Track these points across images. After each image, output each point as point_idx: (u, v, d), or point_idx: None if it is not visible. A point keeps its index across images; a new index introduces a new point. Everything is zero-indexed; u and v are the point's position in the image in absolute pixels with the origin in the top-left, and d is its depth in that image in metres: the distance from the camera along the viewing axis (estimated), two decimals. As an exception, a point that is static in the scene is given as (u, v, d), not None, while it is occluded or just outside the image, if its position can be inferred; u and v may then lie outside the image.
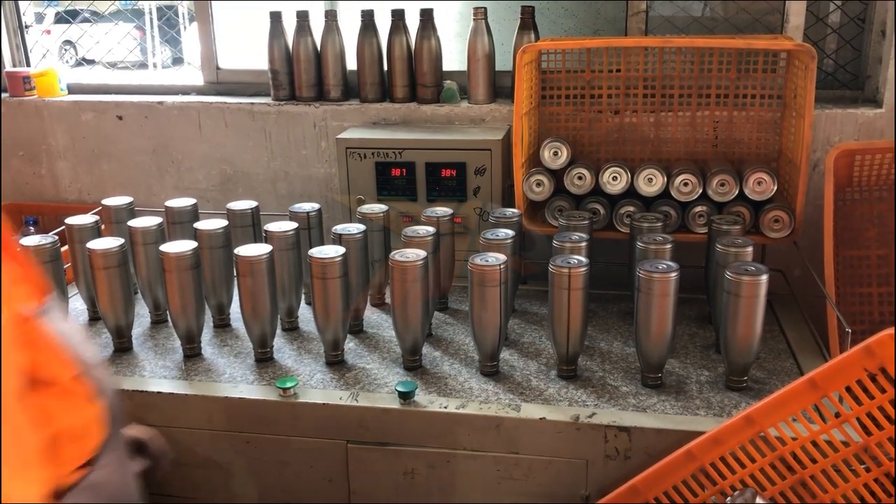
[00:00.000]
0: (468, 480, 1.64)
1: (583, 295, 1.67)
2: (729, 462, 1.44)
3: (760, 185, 1.96)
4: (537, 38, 2.31)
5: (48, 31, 5.47)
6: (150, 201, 2.60)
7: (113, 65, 3.00)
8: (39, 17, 5.62)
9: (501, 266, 1.67)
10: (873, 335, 1.32)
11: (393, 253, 1.75)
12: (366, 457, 1.66)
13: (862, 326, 2.06)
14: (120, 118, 2.62)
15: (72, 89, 2.76)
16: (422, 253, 1.75)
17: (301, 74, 2.45)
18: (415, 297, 1.73)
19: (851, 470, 1.39)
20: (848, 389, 1.35)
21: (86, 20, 3.06)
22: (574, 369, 1.75)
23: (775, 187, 1.95)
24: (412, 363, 1.79)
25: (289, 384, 1.68)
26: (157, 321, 2.06)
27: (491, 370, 1.76)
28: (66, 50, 5.39)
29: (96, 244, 1.85)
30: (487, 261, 1.68)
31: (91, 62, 3.20)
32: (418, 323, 1.75)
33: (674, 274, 1.60)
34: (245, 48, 2.70)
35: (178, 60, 3.38)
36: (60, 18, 3.28)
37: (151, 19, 3.80)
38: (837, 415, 1.37)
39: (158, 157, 2.63)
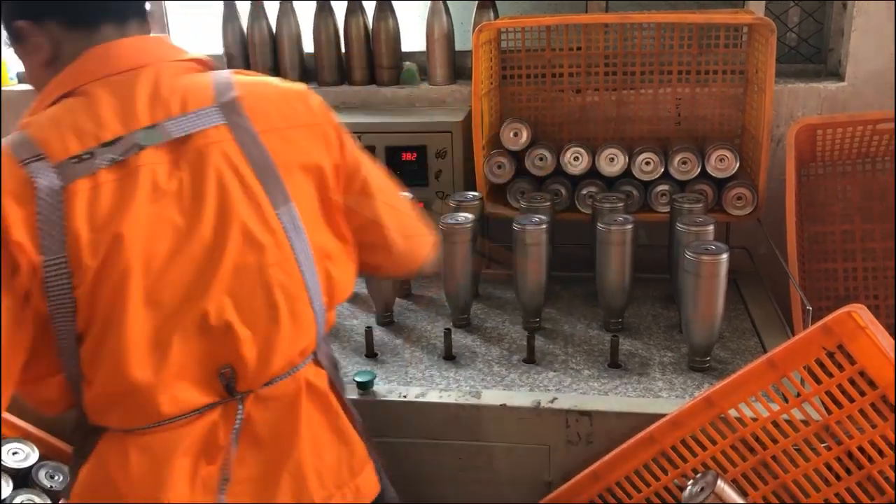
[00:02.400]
0: (430, 470, 1.61)
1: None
2: (690, 445, 1.43)
3: (722, 163, 1.94)
4: (496, 17, 2.27)
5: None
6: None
7: None
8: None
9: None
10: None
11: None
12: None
13: (827, 303, 2.05)
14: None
15: (22, 78, 2.68)
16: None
17: (256, 59, 2.39)
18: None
19: (812, 449, 1.38)
20: (808, 368, 1.33)
21: None
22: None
23: (737, 164, 1.93)
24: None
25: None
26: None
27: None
28: None
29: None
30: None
31: None
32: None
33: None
34: (201, 32, 2.63)
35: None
36: None
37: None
38: (798, 394, 1.36)
39: (114, 146, 2.56)
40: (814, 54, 2.31)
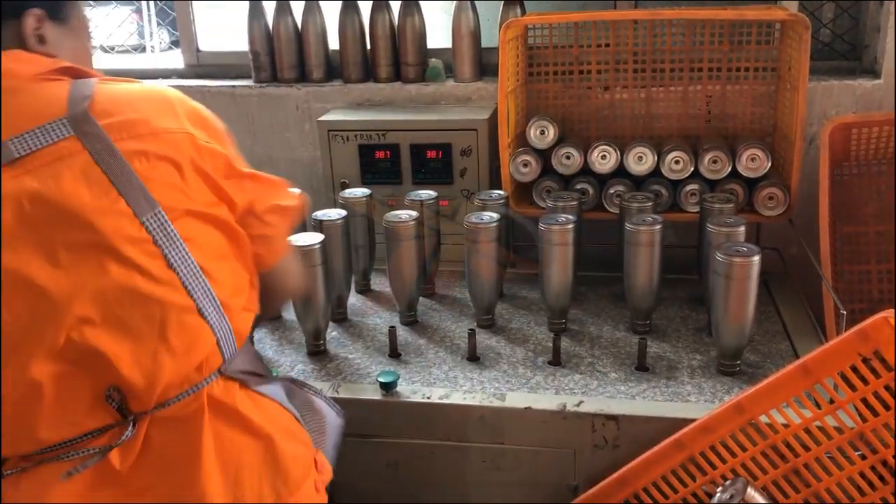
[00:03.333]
0: (453, 472, 1.60)
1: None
2: (719, 451, 1.40)
3: (754, 162, 1.90)
4: (523, 13, 2.24)
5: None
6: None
7: (111, 48, 2.93)
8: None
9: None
10: (870, 316, 1.26)
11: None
12: (347, 449, 1.59)
13: (861, 305, 2.01)
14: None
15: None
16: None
17: (282, 55, 2.38)
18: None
19: (846, 457, 1.34)
20: (842, 375, 1.30)
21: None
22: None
23: (769, 164, 1.89)
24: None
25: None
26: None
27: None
28: None
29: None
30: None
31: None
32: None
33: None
34: (228, 29, 2.63)
35: (176, 43, 3.31)
36: None
37: (148, 3, 3.73)
38: (831, 401, 1.32)
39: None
40: (848, 51, 2.26)
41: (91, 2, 2.92)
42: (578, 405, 1.53)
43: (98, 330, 1.02)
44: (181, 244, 1.08)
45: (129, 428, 1.06)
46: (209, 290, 1.10)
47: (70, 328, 1.01)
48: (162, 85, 1.21)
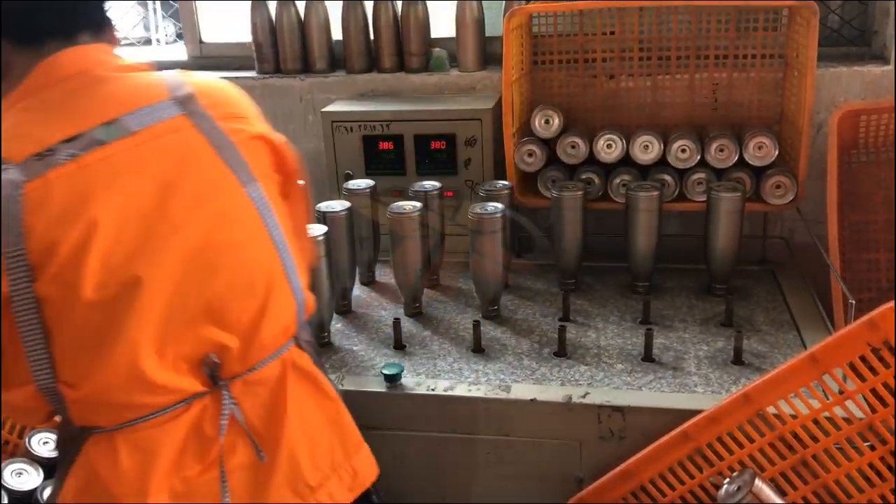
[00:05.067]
0: (458, 464, 1.59)
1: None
2: (726, 442, 1.39)
3: (761, 150, 1.88)
4: (528, 1, 2.22)
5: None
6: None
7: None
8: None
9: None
10: (879, 305, 1.25)
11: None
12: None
13: (869, 294, 1.98)
14: (103, 97, 2.55)
15: None
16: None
17: (285, 46, 2.37)
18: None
19: (855, 448, 1.33)
20: (851, 365, 1.28)
21: None
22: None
23: (776, 152, 1.87)
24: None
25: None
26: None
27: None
28: None
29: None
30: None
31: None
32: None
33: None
34: (232, 19, 2.61)
35: (182, 35, 3.30)
36: None
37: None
38: (840, 391, 1.31)
39: (144, 135, 2.56)
40: (857, 37, 2.23)
41: None
42: (584, 396, 1.52)
43: (213, 292, 1.08)
44: (275, 215, 1.15)
45: (226, 394, 1.11)
46: (293, 260, 1.18)
47: (194, 286, 1.07)
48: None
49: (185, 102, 1.12)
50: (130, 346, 1.03)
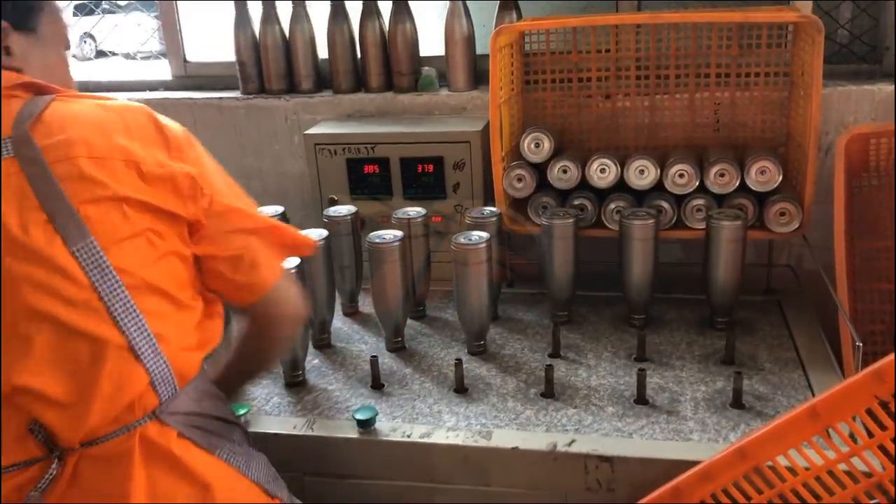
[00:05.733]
0: (436, 516, 1.49)
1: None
2: (721, 500, 1.27)
3: (764, 175, 1.77)
4: (519, 18, 2.12)
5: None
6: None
7: (133, 56, 2.85)
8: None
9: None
10: (890, 338, 1.14)
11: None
12: (324, 490, 1.51)
13: (881, 326, 1.87)
14: (85, 117, 2.48)
15: (37, 88, 2.62)
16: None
17: (269, 65, 2.28)
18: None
19: (862, 508, 1.21)
20: (857, 418, 1.17)
21: (109, 11, 2.92)
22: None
23: (780, 177, 1.76)
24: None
25: (241, 411, 1.53)
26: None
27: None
28: (85, 42, 5.27)
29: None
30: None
31: (112, 54, 3.03)
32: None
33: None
34: (219, 38, 2.54)
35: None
36: (84, 9, 3.10)
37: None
38: (845, 447, 1.19)
39: (127, 157, 2.49)
40: (868, 53, 2.11)
41: (116, 7, 2.86)
42: (570, 444, 1.41)
43: (24, 368, 1.00)
44: (114, 277, 1.03)
45: (55, 464, 1.02)
46: (144, 326, 1.05)
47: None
48: (132, 101, 1.15)
49: (20, 143, 1.02)
50: None
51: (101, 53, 3.19)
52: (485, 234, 1.68)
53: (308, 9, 2.26)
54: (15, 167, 1.01)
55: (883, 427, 1.15)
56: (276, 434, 1.50)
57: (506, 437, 1.44)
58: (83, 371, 1.01)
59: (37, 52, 1.14)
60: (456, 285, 1.69)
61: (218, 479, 1.09)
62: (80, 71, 2.74)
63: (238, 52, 2.30)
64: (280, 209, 1.87)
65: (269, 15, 2.26)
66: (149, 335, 1.05)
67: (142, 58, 2.81)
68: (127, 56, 2.87)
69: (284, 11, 2.27)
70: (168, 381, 1.07)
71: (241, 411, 1.52)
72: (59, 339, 1.01)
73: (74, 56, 4.98)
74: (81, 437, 1.03)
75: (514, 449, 1.42)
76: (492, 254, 1.69)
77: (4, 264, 0.99)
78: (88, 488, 1.03)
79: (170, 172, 1.10)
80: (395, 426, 1.49)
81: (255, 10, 2.29)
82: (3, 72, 1.08)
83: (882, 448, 1.17)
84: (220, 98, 2.35)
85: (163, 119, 1.15)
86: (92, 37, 5.10)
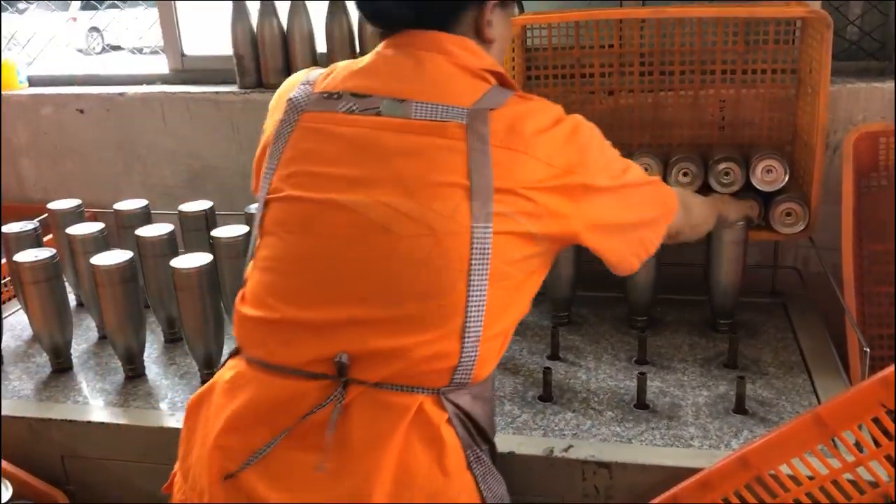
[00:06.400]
0: (429, 521, 1.45)
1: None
2: (722, 510, 1.23)
3: (770, 174, 1.73)
4: (521, 12, 2.08)
5: (74, 19, 5.35)
6: (120, 200, 2.42)
7: (139, 50, 2.82)
8: (65, 5, 5.50)
9: None
10: (892, 361, 1.10)
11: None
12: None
13: (889, 330, 1.82)
14: (81, 111, 2.44)
15: (33, 81, 2.59)
16: None
17: (267, 59, 2.25)
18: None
19: (868, 519, 1.17)
20: (863, 427, 1.13)
21: (113, 6, 2.89)
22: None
23: (786, 177, 1.72)
24: None
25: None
26: (104, 336, 1.89)
27: None
28: (92, 37, 5.24)
29: (24, 256, 1.67)
30: None
31: (118, 48, 3.01)
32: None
33: None
34: (217, 31, 2.50)
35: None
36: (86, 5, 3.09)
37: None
38: (850, 456, 1.16)
39: (124, 152, 2.46)
40: (877, 50, 2.07)
41: (120, 4, 2.83)
42: (567, 450, 1.37)
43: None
44: (486, 264, 1.06)
45: (339, 388, 1.06)
46: (481, 315, 1.06)
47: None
48: (576, 116, 1.18)
49: (475, 117, 1.08)
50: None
51: (107, 48, 3.17)
52: None
53: (306, 3, 2.22)
54: (461, 135, 1.06)
55: (890, 436, 1.12)
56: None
57: (502, 442, 1.39)
58: (419, 328, 1.05)
59: (503, 26, 1.22)
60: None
61: (457, 474, 1.09)
62: (85, 64, 2.74)
63: (236, 45, 2.26)
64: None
65: (268, 8, 2.22)
66: (479, 322, 1.06)
67: (150, 52, 2.78)
68: (133, 51, 2.84)
69: (283, 5, 2.23)
70: (467, 371, 1.09)
71: None
72: (418, 294, 1.05)
73: (80, 50, 4.97)
74: (380, 375, 1.05)
75: (510, 454, 1.38)
76: None
77: (406, 208, 1.05)
78: (353, 425, 1.05)
79: (567, 184, 1.11)
80: (388, 429, 1.45)
81: (253, 5, 2.25)
82: (486, 54, 1.17)
83: (888, 458, 1.13)
84: (217, 92, 2.31)
85: (590, 132, 1.20)
86: (98, 30, 5.07)
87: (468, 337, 1.06)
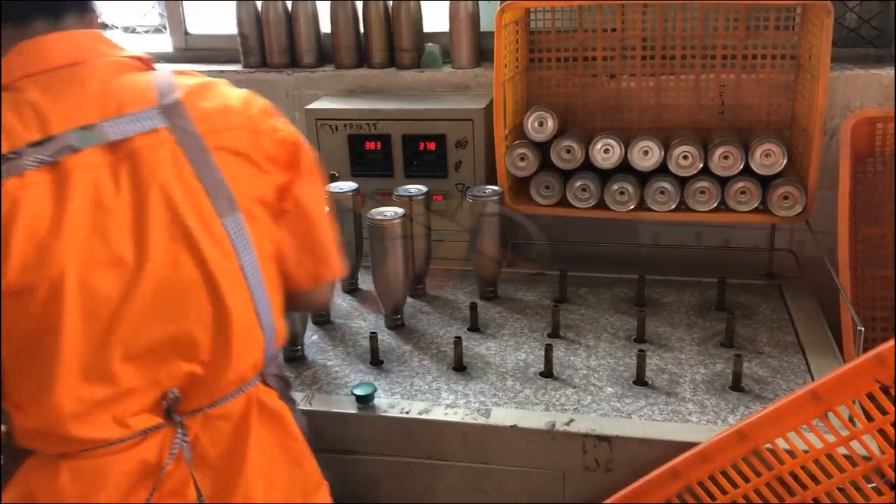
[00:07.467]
0: (432, 492, 1.49)
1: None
2: (719, 481, 1.27)
3: (768, 158, 1.76)
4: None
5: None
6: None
7: (132, 30, 2.81)
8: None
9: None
10: (891, 324, 1.14)
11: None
12: (322, 465, 1.48)
13: (882, 313, 1.86)
14: (85, 89, 2.45)
15: None
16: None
17: (271, 39, 2.26)
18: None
19: (860, 491, 1.22)
20: (858, 402, 1.17)
21: None
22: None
23: (784, 160, 1.75)
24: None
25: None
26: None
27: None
28: None
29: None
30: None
31: (110, 27, 2.99)
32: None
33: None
34: (214, 11, 2.51)
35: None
36: None
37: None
38: (845, 430, 1.19)
39: (127, 130, 2.47)
40: (876, 37, 2.10)
41: None
42: (568, 424, 1.41)
43: (181, 328, 1.03)
44: (251, 247, 1.08)
45: (179, 430, 1.05)
46: (264, 291, 1.10)
47: (160, 325, 1.02)
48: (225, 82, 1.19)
49: (171, 114, 1.04)
50: (50, 382, 0.96)
51: (102, 26, 3.14)
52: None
53: (311, -18, 2.24)
54: (169, 138, 1.03)
55: (883, 411, 1.15)
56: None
57: (504, 416, 1.44)
58: (225, 331, 1.05)
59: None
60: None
61: (296, 430, 1.17)
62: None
63: (240, 24, 2.27)
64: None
65: (273, -12, 2.23)
66: (267, 303, 1.10)
67: (143, 31, 2.78)
68: (126, 30, 2.83)
69: (288, -16, 2.25)
70: (271, 346, 1.13)
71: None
72: (211, 303, 1.03)
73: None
74: (213, 397, 1.07)
75: (513, 427, 1.41)
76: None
77: (173, 237, 1.01)
78: (208, 452, 1.08)
79: (280, 139, 1.14)
80: (393, 402, 1.49)
81: (258, -16, 2.27)
82: (113, 42, 1.10)
83: (882, 432, 1.17)
84: (221, 71, 2.33)
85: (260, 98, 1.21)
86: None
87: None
